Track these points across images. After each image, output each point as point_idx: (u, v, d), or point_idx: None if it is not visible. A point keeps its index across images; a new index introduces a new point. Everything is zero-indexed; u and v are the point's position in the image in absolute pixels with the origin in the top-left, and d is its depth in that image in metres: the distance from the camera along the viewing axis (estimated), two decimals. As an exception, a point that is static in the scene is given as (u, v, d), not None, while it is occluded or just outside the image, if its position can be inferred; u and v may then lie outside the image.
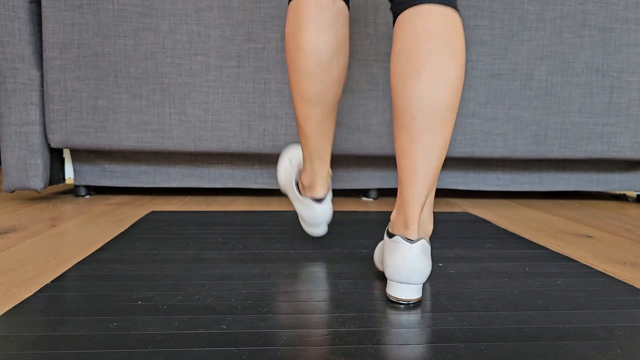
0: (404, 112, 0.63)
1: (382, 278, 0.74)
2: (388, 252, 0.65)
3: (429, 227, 0.68)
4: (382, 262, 0.70)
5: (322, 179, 0.86)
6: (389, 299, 0.66)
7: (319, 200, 0.87)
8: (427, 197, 0.65)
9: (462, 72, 0.63)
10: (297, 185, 0.91)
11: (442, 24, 0.62)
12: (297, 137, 1.43)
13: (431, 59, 0.61)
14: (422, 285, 0.65)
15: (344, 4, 0.80)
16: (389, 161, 1.54)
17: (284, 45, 0.84)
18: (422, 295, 0.67)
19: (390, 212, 1.30)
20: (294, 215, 1.23)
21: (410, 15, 0.64)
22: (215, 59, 1.37)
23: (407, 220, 0.64)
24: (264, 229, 1.07)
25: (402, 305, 0.64)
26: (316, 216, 0.88)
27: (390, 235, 0.67)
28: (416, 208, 0.64)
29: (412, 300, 0.64)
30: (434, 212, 1.31)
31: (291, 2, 0.80)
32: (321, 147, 0.85)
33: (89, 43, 1.34)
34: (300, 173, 0.93)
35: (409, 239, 0.63)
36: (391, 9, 0.70)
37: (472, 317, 0.59)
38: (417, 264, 0.62)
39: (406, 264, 0.62)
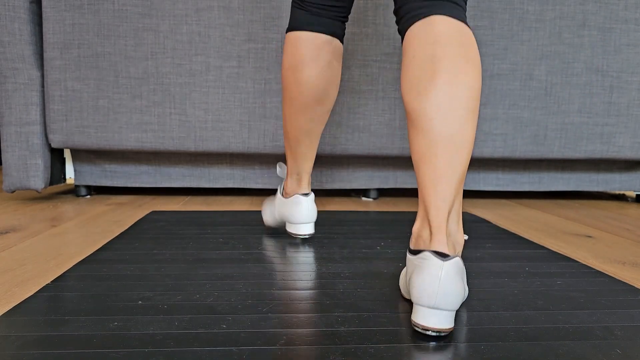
0: (420, 116, 0.59)
1: (383, 277, 0.74)
2: (415, 272, 0.55)
3: (460, 239, 0.61)
4: (407, 289, 0.62)
5: (307, 175, 0.94)
6: (414, 328, 0.56)
7: (306, 195, 0.92)
8: (453, 202, 0.58)
9: (479, 75, 0.60)
10: (281, 194, 0.97)
11: (453, 31, 0.60)
12: (297, 137, 1.43)
13: (446, 62, 0.59)
14: (454, 312, 0.54)
15: (339, 42, 0.88)
16: (389, 161, 1.54)
17: (281, 75, 0.89)
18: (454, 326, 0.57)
19: (390, 212, 1.30)
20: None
21: (420, 25, 0.63)
22: (215, 59, 1.37)
23: (433, 231, 0.56)
24: (264, 228, 1.07)
25: (431, 339, 0.53)
26: (304, 210, 0.91)
27: (415, 252, 0.58)
28: (442, 214, 0.56)
29: (442, 330, 0.53)
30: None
31: (290, 34, 0.87)
32: (309, 151, 0.93)
33: (90, 43, 1.35)
34: (282, 183, 0.98)
35: (441, 254, 0.54)
36: (399, 26, 0.69)
37: (472, 317, 0.59)
38: (451, 286, 0.52)
39: (436, 285, 0.52)
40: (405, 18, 0.66)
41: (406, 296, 0.65)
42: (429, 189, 0.58)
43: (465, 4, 0.68)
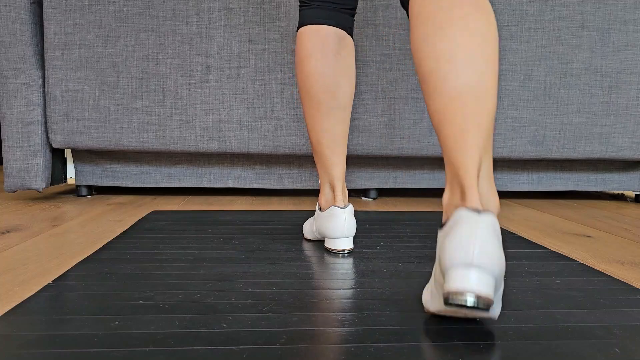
0: (434, 72, 0.54)
1: (383, 277, 0.74)
2: (447, 237, 0.49)
3: (495, 201, 0.56)
4: (439, 261, 0.52)
5: (340, 184, 0.88)
6: (448, 301, 0.46)
7: (343, 207, 0.86)
8: (482, 160, 0.53)
9: (492, 22, 0.55)
10: (318, 209, 0.92)
11: (463, 8, 0.55)
12: (297, 138, 1.43)
13: (455, 11, 0.54)
14: (494, 283, 0.46)
15: (347, 34, 0.87)
16: (388, 161, 1.55)
17: (296, 76, 0.90)
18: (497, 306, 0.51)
19: (390, 212, 1.30)
20: (294, 215, 1.23)
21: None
22: (216, 59, 1.37)
23: (464, 191, 0.51)
24: (264, 228, 1.07)
25: (468, 305, 0.44)
26: (340, 224, 0.84)
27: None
28: (472, 173, 0.51)
29: (483, 296, 0.44)
30: (433, 213, 1.31)
31: (298, 32, 0.87)
32: (334, 156, 0.87)
33: (91, 44, 1.35)
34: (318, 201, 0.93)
35: (475, 210, 0.48)
36: (402, 2, 0.69)
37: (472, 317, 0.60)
38: (489, 243, 0.45)
39: (473, 239, 0.45)
40: None
41: (430, 309, 0.58)
42: (454, 150, 0.53)
43: None
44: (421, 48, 0.56)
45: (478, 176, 0.52)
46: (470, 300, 0.44)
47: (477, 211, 0.47)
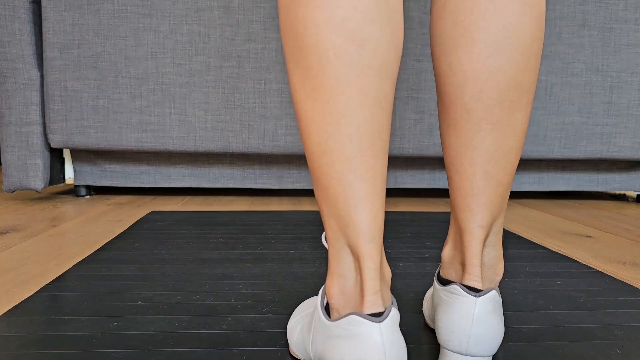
0: (455, 97, 0.43)
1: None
2: (441, 308, 0.45)
3: (499, 269, 0.47)
4: (433, 318, 0.51)
5: (376, 275, 0.38)
6: None
7: (378, 315, 0.37)
8: (493, 224, 0.45)
9: (540, 14, 0.42)
10: (324, 309, 0.43)
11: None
12: (297, 138, 1.43)
13: (490, 3, 0.41)
14: (491, 358, 0.44)
15: None
16: (388, 161, 1.54)
17: (280, 28, 0.41)
18: None
19: (390, 212, 1.30)
20: (294, 215, 1.23)
21: None
22: (215, 59, 1.37)
23: (466, 262, 0.45)
24: (264, 229, 1.07)
25: None
26: (374, 355, 0.36)
27: (444, 282, 0.48)
28: (477, 242, 0.45)
29: None
30: (433, 213, 1.31)
31: None
32: (363, 182, 0.38)
33: (89, 43, 1.35)
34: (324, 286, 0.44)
35: (473, 289, 0.44)
36: None
37: (472, 317, 0.59)
38: (485, 327, 0.42)
39: (468, 328, 0.42)
40: None
41: (430, 325, 0.55)
42: (462, 207, 0.45)
43: None
44: (441, 60, 0.44)
45: (484, 245, 0.46)
46: None
47: (476, 291, 0.43)
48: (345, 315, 0.38)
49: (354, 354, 0.36)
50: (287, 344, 0.51)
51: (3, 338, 0.52)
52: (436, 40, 0.45)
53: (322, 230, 1.05)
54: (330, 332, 0.39)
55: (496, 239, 0.47)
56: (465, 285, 0.44)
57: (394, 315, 0.37)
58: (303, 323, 0.48)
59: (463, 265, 0.46)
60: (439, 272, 0.50)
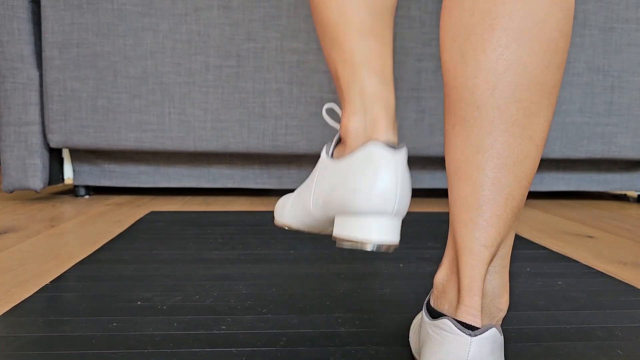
0: (464, 92, 0.38)
1: (383, 278, 0.74)
2: (429, 346, 0.39)
3: (503, 303, 0.41)
4: (419, 351, 0.42)
5: (388, 112, 0.41)
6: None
7: (390, 146, 0.39)
8: (500, 245, 0.39)
9: (568, 14, 0.38)
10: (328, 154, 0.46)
11: None
12: (297, 138, 1.42)
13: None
14: None
15: None
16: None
17: None
18: None
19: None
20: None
21: None
22: (214, 58, 1.37)
23: (461, 288, 0.38)
24: (263, 229, 1.06)
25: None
26: (389, 177, 0.38)
27: (434, 314, 0.41)
28: (479, 267, 0.38)
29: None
30: (434, 213, 1.30)
31: None
32: (377, 43, 0.42)
33: (88, 43, 1.34)
34: (328, 143, 0.46)
35: (468, 326, 0.37)
36: None
37: (473, 318, 0.59)
38: None
39: None
40: None
41: (417, 357, 0.46)
42: (464, 223, 0.38)
43: None
44: (452, 49, 0.40)
45: (487, 270, 0.39)
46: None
47: (471, 328, 0.37)
48: (363, 145, 0.39)
49: (370, 176, 0.38)
50: (286, 345, 0.51)
51: (2, 338, 0.51)
52: (447, 27, 0.40)
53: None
54: (342, 167, 0.41)
55: (502, 265, 0.40)
56: (459, 321, 0.37)
57: (405, 151, 0.39)
58: (298, 192, 0.48)
59: (459, 293, 0.38)
60: (428, 301, 0.43)
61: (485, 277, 0.39)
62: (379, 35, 0.41)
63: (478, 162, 0.38)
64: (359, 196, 0.38)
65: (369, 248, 0.38)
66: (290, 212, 0.48)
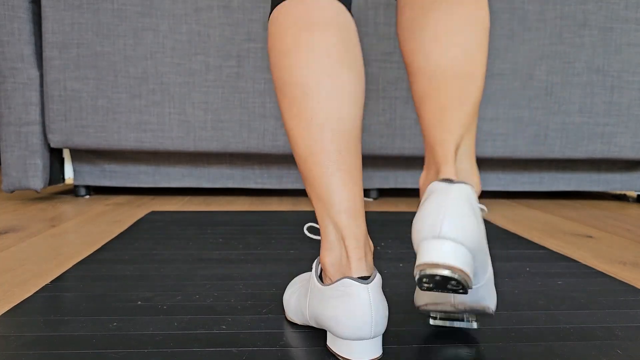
0: (418, 54, 0.51)
1: (383, 278, 0.74)
2: (419, 211, 0.44)
3: (475, 180, 0.50)
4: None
5: (358, 244, 0.49)
6: (421, 279, 0.42)
7: (365, 279, 0.47)
8: (463, 136, 0.49)
9: (482, 6, 0.52)
10: (318, 277, 0.53)
11: None
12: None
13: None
14: (469, 254, 0.42)
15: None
16: (388, 161, 1.54)
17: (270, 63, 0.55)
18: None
19: (390, 212, 1.29)
20: (294, 215, 1.23)
21: None
22: (215, 58, 1.37)
23: (439, 166, 0.47)
24: (263, 229, 1.06)
25: (442, 276, 0.41)
26: (363, 310, 0.45)
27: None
28: (449, 146, 0.47)
29: (455, 266, 0.40)
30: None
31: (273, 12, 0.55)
32: (341, 173, 0.49)
33: (89, 43, 1.34)
34: (318, 259, 0.54)
35: (447, 180, 0.45)
36: None
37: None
38: (462, 216, 0.42)
39: (444, 211, 0.42)
40: None
41: (416, 302, 0.55)
42: (432, 126, 0.49)
43: None
44: (406, 28, 0.53)
45: (456, 152, 0.48)
46: (443, 272, 0.40)
47: (449, 181, 0.44)
48: (338, 280, 0.47)
49: (346, 310, 0.45)
50: (286, 345, 0.51)
51: (2, 338, 0.51)
52: (401, 28, 0.54)
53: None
54: (324, 295, 0.48)
55: (468, 152, 0.49)
56: (441, 179, 0.45)
57: (378, 279, 0.47)
58: (299, 292, 0.56)
59: (438, 172, 0.47)
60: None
61: (455, 156, 0.48)
62: (347, 169, 0.49)
63: (434, 87, 0.49)
64: (339, 326, 0.46)
65: None
66: (294, 314, 0.56)
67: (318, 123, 0.49)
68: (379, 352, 0.47)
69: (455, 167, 0.47)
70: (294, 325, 0.56)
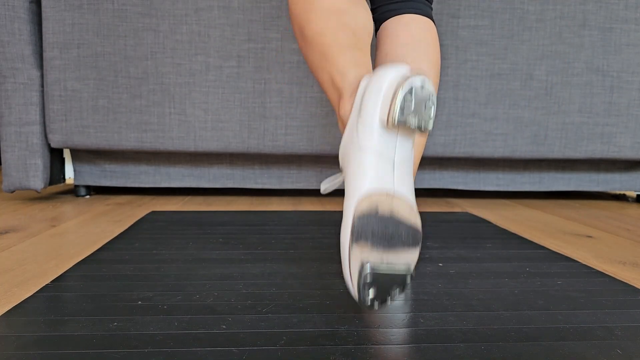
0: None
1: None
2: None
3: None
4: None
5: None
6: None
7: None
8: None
9: (438, 77, 0.72)
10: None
11: (421, 34, 0.70)
12: (297, 138, 1.42)
13: (409, 60, 0.70)
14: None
15: None
16: (389, 161, 1.54)
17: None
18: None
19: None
20: (294, 215, 1.23)
21: (393, 25, 0.72)
22: (215, 58, 1.37)
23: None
24: (264, 229, 1.06)
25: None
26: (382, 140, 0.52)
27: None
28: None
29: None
30: (434, 213, 1.31)
31: None
32: (360, 58, 0.59)
33: (89, 43, 1.34)
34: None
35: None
36: (374, 16, 0.79)
37: (472, 317, 0.59)
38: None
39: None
40: (379, 12, 0.77)
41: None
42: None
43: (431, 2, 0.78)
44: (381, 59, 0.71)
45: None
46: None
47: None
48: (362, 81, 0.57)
49: (381, 77, 0.52)
50: (287, 344, 0.51)
51: (2, 338, 0.51)
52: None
53: (322, 230, 1.05)
54: (353, 119, 0.55)
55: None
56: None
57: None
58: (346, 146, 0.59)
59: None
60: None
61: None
62: (361, 49, 0.59)
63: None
64: (374, 83, 0.53)
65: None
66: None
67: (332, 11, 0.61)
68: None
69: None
70: (294, 325, 0.56)
